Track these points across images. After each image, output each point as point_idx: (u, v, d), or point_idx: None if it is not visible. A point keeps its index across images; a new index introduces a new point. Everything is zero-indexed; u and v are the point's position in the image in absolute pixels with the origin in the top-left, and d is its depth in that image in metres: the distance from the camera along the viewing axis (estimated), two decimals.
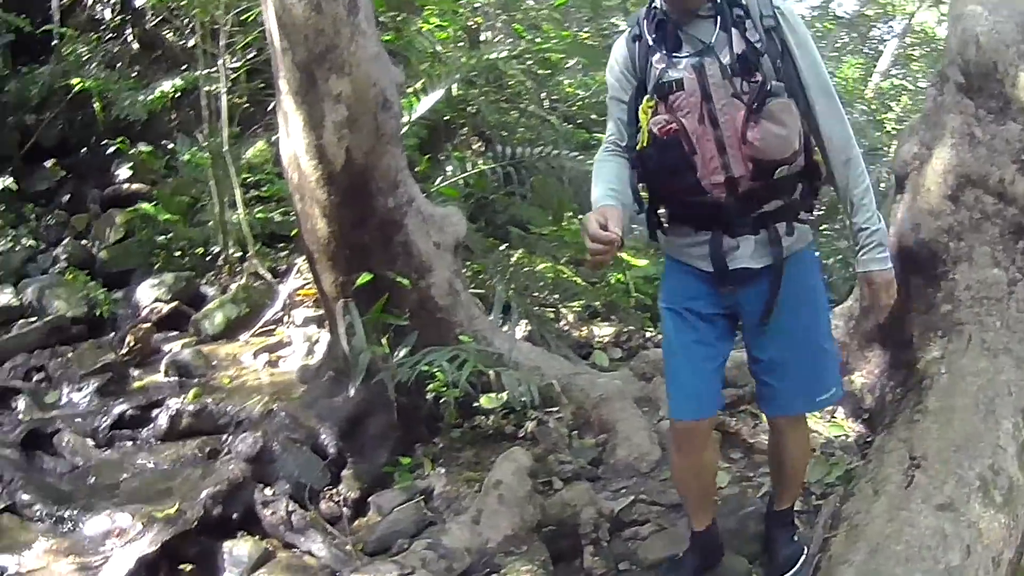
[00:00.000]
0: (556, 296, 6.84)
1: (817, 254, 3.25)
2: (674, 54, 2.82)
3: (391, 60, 4.80)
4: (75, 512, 4.24)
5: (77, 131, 9.24)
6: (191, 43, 8.56)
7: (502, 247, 7.31)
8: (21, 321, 6.92)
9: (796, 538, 3.48)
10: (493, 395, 4.74)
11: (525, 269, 6.82)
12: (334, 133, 4.47)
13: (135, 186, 8.65)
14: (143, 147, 8.76)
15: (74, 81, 8.40)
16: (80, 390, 5.87)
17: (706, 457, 3.28)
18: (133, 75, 9.16)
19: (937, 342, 3.96)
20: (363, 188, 4.61)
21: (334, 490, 4.42)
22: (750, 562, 3.53)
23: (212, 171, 7.37)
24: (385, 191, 4.68)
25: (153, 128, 8.82)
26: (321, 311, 5.80)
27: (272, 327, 6.78)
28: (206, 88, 7.66)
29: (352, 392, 4.68)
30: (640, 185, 2.96)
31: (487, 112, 8.43)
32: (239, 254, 7.53)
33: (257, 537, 3.98)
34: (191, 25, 8.19)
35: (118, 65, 9.28)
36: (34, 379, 6.16)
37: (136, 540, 3.77)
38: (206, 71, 7.64)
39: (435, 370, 4.48)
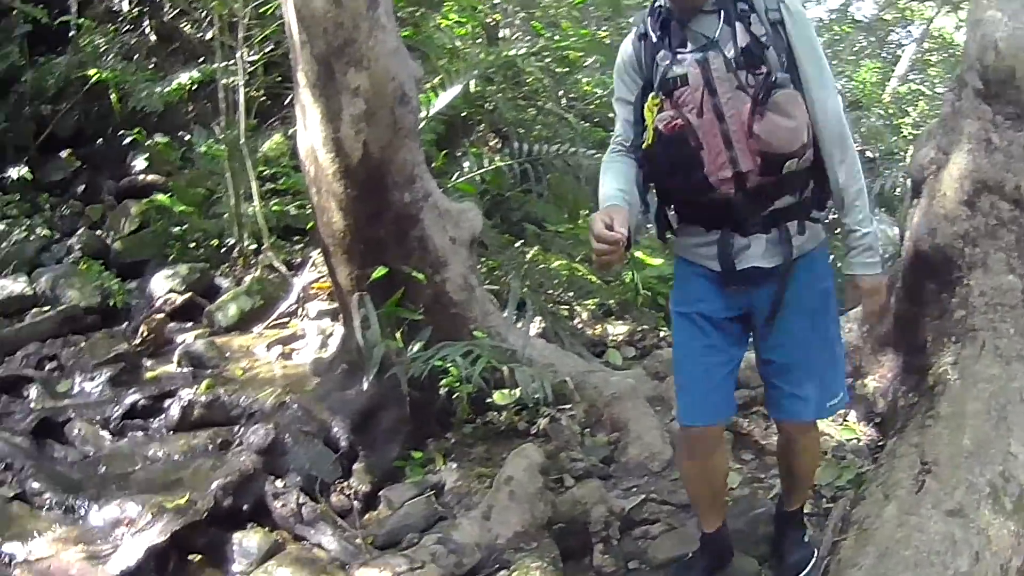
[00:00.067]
0: (571, 294, 6.86)
1: (832, 257, 3.24)
2: (679, 50, 2.81)
3: (409, 55, 4.81)
4: (85, 501, 4.24)
5: (93, 122, 9.20)
6: (209, 35, 8.59)
7: (517, 244, 7.33)
8: (35, 310, 6.92)
9: (807, 539, 3.48)
10: (506, 391, 4.75)
11: (540, 266, 6.85)
12: (352, 126, 4.48)
13: (151, 177, 8.61)
14: (159, 138, 8.75)
15: (91, 72, 8.39)
16: (92, 379, 5.85)
17: (716, 461, 3.26)
18: (150, 67, 9.14)
19: (950, 347, 3.95)
20: (380, 182, 4.63)
21: (345, 483, 4.43)
22: (760, 563, 3.53)
23: (228, 163, 7.36)
24: (402, 185, 4.69)
25: (169, 120, 8.82)
26: (335, 304, 5.81)
27: (286, 319, 6.76)
28: (223, 81, 7.65)
29: (365, 386, 4.69)
30: (649, 185, 2.95)
31: (504, 109, 8.42)
32: (254, 246, 7.52)
33: (267, 529, 3.98)
34: (209, 18, 8.23)
35: (135, 57, 9.25)
36: (47, 368, 6.15)
37: (146, 530, 3.78)
38: (224, 64, 7.64)
39: (448, 365, 4.48)
